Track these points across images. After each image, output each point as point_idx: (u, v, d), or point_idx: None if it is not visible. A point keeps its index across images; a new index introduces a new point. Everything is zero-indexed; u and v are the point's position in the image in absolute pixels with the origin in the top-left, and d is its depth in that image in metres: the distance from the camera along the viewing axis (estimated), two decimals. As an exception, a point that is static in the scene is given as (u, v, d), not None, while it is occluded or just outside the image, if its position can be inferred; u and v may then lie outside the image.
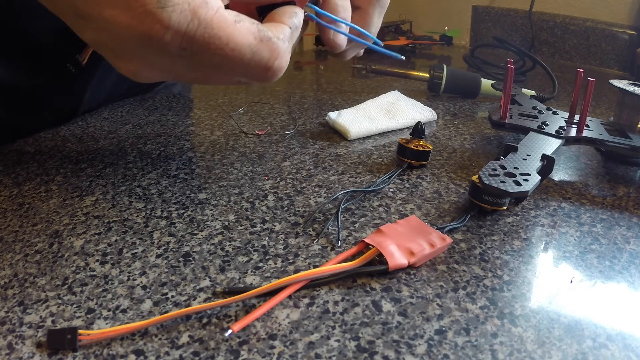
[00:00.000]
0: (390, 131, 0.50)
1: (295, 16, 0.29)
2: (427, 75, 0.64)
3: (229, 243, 0.31)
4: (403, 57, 0.35)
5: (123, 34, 0.23)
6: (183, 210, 0.34)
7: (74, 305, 0.25)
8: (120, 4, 0.23)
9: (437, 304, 0.26)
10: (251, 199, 0.36)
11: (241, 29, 0.25)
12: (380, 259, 0.28)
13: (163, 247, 0.30)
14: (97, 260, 0.29)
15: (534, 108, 0.49)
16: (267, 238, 0.31)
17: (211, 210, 0.35)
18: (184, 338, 0.23)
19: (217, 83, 0.29)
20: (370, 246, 0.28)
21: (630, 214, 0.35)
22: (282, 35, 0.27)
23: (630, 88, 0.45)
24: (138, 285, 0.27)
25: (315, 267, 0.29)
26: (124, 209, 0.35)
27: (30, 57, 0.45)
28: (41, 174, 0.40)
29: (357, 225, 0.33)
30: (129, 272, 0.28)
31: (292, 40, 0.29)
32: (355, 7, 0.35)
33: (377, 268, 0.28)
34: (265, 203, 0.36)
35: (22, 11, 0.41)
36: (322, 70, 0.83)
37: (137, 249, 0.30)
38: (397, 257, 0.28)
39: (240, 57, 0.25)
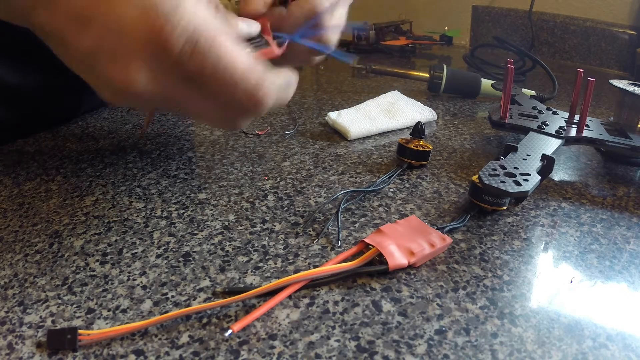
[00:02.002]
0: (390, 131, 0.50)
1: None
2: (427, 75, 0.64)
3: (229, 243, 0.31)
4: (352, 61, 0.35)
5: (129, 31, 0.23)
6: (183, 210, 0.34)
7: (74, 305, 0.25)
8: (134, 1, 0.23)
9: (437, 304, 0.26)
10: (251, 199, 0.36)
11: (241, 52, 0.25)
12: (380, 259, 0.28)
13: (163, 247, 0.30)
14: (97, 260, 0.29)
15: (534, 108, 0.49)
16: (267, 238, 0.31)
17: (211, 210, 0.35)
18: (184, 338, 0.23)
19: (196, 108, 0.27)
20: (370, 246, 0.28)
21: (630, 214, 0.35)
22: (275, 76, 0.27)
23: (630, 88, 0.45)
24: (138, 285, 0.27)
25: (315, 267, 0.29)
26: (124, 209, 0.35)
27: (31, 57, 0.45)
28: (41, 174, 0.40)
29: (357, 225, 0.33)
30: (129, 272, 0.28)
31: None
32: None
33: (377, 268, 0.28)
34: (265, 203, 0.36)
35: None
36: (322, 70, 0.83)
37: (137, 249, 0.30)
38: (397, 257, 0.28)
39: (232, 75, 0.25)
